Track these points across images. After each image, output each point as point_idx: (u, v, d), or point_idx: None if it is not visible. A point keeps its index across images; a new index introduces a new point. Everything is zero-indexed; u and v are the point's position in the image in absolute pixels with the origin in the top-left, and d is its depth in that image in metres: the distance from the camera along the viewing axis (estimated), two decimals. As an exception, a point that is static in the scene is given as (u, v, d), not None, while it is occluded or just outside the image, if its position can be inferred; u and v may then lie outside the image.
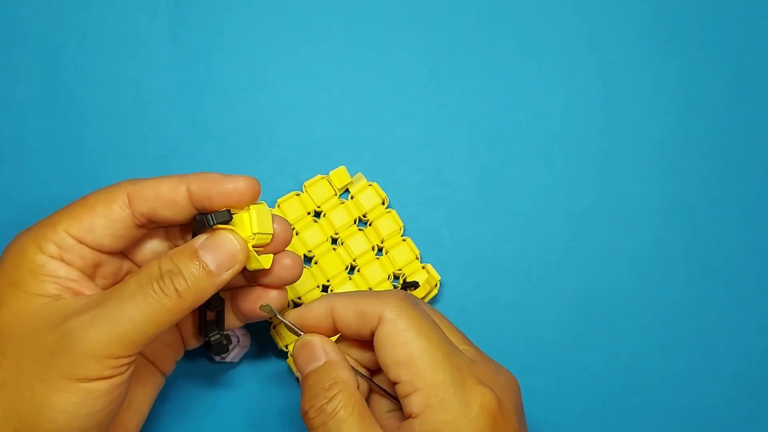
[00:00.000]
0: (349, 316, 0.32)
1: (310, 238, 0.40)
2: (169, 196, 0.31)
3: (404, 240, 0.41)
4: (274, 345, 0.40)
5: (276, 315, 0.33)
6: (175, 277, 0.29)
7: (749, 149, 0.44)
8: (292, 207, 0.41)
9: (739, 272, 0.43)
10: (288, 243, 0.33)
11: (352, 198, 0.41)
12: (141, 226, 0.32)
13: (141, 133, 0.42)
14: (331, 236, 0.41)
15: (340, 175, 0.41)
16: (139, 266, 0.34)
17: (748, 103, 0.44)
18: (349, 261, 0.41)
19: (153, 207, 0.31)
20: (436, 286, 0.40)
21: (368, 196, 0.41)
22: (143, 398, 0.34)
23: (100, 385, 0.28)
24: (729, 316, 0.42)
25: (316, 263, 0.40)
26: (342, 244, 0.41)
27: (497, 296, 0.42)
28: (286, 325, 0.34)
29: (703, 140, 0.44)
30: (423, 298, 0.40)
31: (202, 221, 0.31)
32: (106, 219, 0.31)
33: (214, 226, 0.31)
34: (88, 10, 0.43)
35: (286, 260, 0.33)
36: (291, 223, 0.40)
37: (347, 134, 0.43)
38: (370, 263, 0.41)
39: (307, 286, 0.40)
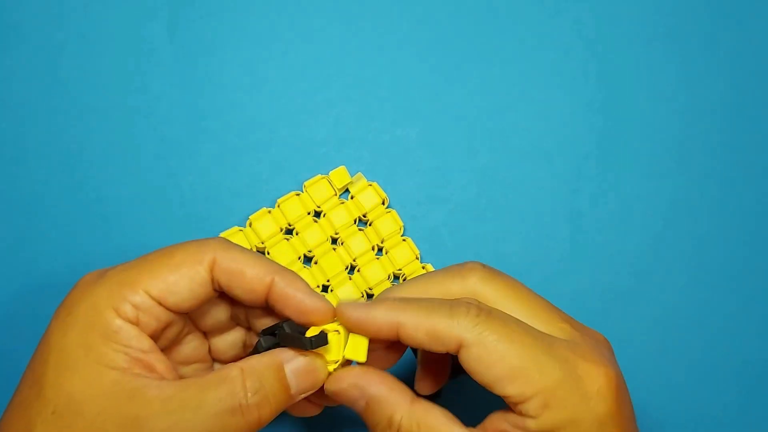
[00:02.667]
0: (419, 337, 0.29)
1: (310, 238, 0.40)
2: (251, 284, 0.30)
3: (404, 240, 0.41)
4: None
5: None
6: (262, 403, 0.28)
7: (750, 149, 0.44)
8: (292, 207, 0.41)
9: (741, 272, 0.43)
10: None
11: (352, 198, 0.41)
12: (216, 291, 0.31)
13: (140, 133, 0.42)
14: (331, 236, 0.41)
15: (340, 175, 0.41)
16: (198, 329, 0.33)
17: (749, 102, 0.44)
18: (349, 261, 0.41)
19: (231, 285, 0.30)
20: (436, 286, 0.40)
21: (368, 196, 0.41)
22: None
23: None
24: (730, 316, 0.42)
25: (316, 263, 0.40)
26: (342, 244, 0.41)
27: (497, 296, 0.42)
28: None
29: (704, 140, 0.44)
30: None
31: (297, 339, 0.29)
32: (190, 281, 0.29)
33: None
34: (87, 9, 0.43)
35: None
36: (291, 223, 0.40)
37: (347, 134, 0.43)
38: (370, 263, 0.41)
39: (307, 286, 0.40)
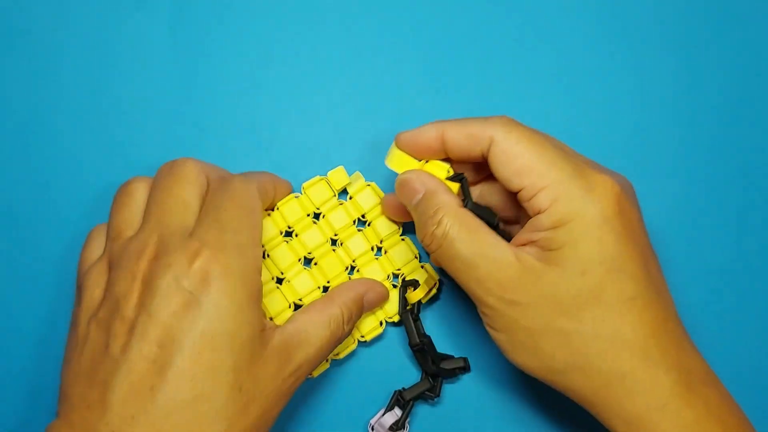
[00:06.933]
0: (460, 139, 0.35)
1: (309, 239, 0.41)
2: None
3: (403, 239, 0.41)
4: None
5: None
6: (349, 321, 0.38)
7: (752, 149, 0.43)
8: (292, 209, 0.41)
9: (742, 272, 0.42)
10: None
11: (350, 198, 0.41)
12: None
13: (141, 134, 0.42)
14: (330, 237, 0.41)
15: (338, 175, 0.41)
16: None
17: (750, 102, 0.44)
18: (348, 262, 0.41)
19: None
20: (435, 285, 0.41)
21: (367, 195, 0.41)
22: None
23: None
24: (730, 316, 0.42)
25: (315, 264, 0.41)
26: (341, 245, 0.41)
27: (497, 293, 0.42)
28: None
29: (705, 139, 0.43)
30: (423, 298, 0.40)
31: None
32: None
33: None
34: (87, 10, 0.43)
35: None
36: (291, 225, 0.41)
37: (346, 135, 0.43)
38: (369, 263, 0.41)
39: (307, 287, 0.40)
